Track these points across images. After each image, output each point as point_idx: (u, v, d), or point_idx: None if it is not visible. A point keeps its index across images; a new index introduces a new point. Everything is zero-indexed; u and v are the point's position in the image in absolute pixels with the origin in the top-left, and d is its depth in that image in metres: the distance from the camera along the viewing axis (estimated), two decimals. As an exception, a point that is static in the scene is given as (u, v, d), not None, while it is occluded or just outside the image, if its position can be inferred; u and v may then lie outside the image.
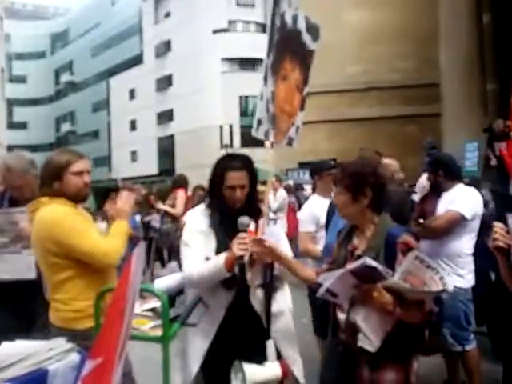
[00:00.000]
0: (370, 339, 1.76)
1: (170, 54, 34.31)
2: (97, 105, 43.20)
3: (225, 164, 2.19)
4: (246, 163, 2.21)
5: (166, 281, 2.22)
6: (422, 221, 2.30)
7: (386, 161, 4.38)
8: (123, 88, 38.47)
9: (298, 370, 2.16)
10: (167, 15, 34.84)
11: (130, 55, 38.69)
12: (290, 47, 2.43)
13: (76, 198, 2.19)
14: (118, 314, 1.44)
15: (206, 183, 8.28)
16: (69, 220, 2.10)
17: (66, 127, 48.29)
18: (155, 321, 1.95)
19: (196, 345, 2.11)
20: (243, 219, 2.04)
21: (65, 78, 48.46)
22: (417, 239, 1.86)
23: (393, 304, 1.70)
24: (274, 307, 2.14)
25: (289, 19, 2.41)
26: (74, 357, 1.66)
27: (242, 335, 2.09)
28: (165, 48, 34.71)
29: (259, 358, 2.00)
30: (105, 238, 2.16)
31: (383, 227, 1.85)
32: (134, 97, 37.97)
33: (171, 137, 34.03)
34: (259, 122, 2.40)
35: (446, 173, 3.25)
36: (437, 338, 1.99)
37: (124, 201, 2.27)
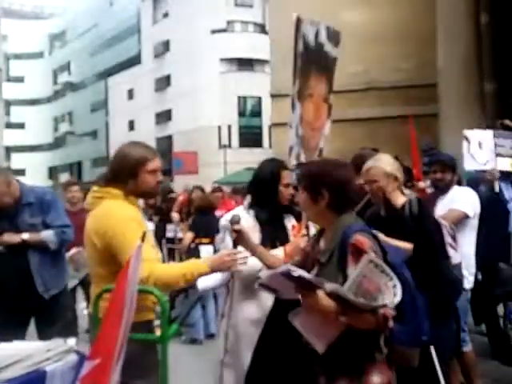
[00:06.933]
0: (313, 343, 1.67)
1: (169, 55, 34.26)
2: (95, 105, 43.11)
3: (279, 164, 2.43)
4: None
5: (210, 279, 2.37)
6: None
7: None
8: (121, 88, 38.40)
9: None
10: (165, 15, 34.78)
11: (128, 55, 38.62)
12: (313, 64, 2.52)
13: (148, 196, 2.20)
14: (117, 314, 1.44)
15: (203, 183, 8.23)
16: (134, 224, 1.94)
17: (64, 127, 48.17)
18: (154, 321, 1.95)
19: (248, 336, 2.26)
20: (234, 216, 2.16)
21: (63, 78, 48.35)
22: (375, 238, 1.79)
23: (336, 311, 1.61)
24: None
25: (311, 37, 2.51)
26: (73, 357, 1.66)
27: (290, 326, 2.19)
28: (163, 48, 34.66)
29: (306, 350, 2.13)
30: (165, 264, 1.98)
31: (340, 227, 1.77)
32: (133, 97, 37.92)
33: (169, 137, 34.00)
34: (291, 149, 2.55)
35: (455, 173, 3.33)
36: (412, 351, 1.86)
37: (230, 263, 2.00)
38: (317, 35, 2.54)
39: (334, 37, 2.66)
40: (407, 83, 10.64)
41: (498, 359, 3.82)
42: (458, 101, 9.14)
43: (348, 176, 1.86)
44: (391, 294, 1.56)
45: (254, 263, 2.17)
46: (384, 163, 2.57)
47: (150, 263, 1.84)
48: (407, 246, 2.40)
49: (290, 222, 2.45)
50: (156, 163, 2.12)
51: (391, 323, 1.63)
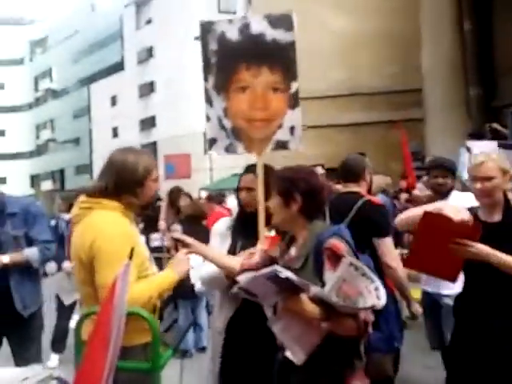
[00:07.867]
0: (292, 351, 1.61)
1: (152, 61, 34.06)
2: (77, 112, 42.55)
3: (244, 169, 2.41)
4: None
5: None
6: None
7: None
8: (104, 95, 37.99)
9: None
10: (148, 22, 34.61)
11: (111, 62, 38.27)
12: (243, 57, 2.46)
13: (147, 207, 2.04)
14: (102, 341, 1.31)
15: (190, 190, 8.05)
16: (125, 239, 1.78)
17: (45, 135, 47.41)
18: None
19: (215, 344, 2.25)
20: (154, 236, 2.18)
21: (44, 84, 47.66)
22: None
23: (319, 316, 1.58)
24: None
25: (233, 34, 2.45)
26: (54, 387, 1.53)
27: (252, 333, 2.15)
28: (147, 54, 34.45)
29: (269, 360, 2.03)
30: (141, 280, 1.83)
31: (313, 233, 1.77)
32: (116, 104, 37.53)
33: (154, 144, 33.72)
34: (212, 141, 2.51)
35: (455, 178, 3.29)
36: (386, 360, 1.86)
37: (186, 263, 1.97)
38: (245, 28, 2.46)
39: (282, 22, 2.49)
40: (392, 89, 10.71)
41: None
42: (443, 106, 9.21)
43: (320, 184, 1.92)
44: (374, 297, 1.53)
45: (211, 268, 2.16)
46: (498, 158, 2.17)
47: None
48: None
49: (269, 232, 2.35)
50: (157, 170, 2.03)
51: (370, 329, 1.62)
